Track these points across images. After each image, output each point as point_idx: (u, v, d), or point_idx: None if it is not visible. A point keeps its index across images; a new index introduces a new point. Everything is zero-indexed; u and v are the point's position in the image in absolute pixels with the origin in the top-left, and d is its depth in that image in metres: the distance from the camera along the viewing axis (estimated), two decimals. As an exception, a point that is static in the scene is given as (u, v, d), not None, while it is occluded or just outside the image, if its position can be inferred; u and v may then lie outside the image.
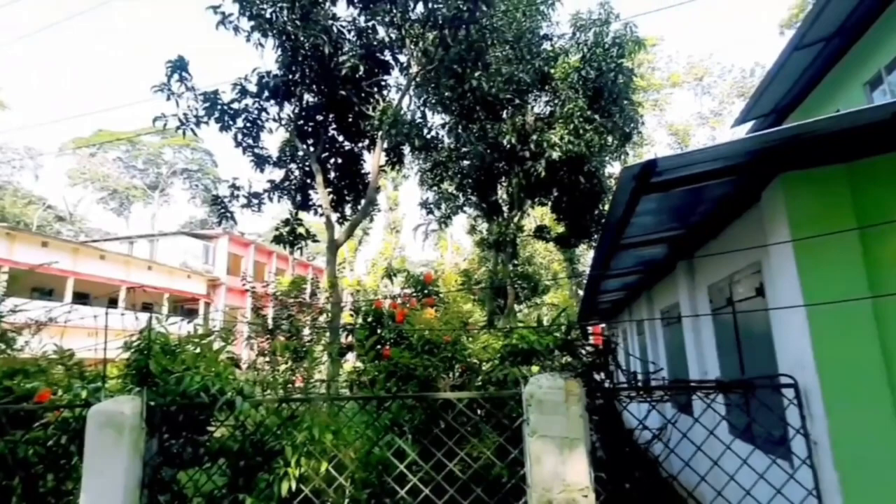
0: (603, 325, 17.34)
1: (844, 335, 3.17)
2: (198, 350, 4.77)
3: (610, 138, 12.92)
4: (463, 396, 4.06)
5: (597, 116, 12.04)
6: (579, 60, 12.48)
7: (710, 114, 34.64)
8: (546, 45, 13.14)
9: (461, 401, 4.07)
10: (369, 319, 8.04)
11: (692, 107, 45.79)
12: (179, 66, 10.09)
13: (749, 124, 13.84)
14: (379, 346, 7.42)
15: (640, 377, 7.90)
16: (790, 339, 3.51)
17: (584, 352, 7.54)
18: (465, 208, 17.73)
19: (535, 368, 5.80)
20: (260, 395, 4.67)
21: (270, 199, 11.67)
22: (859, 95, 10.95)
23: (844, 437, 3.04)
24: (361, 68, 9.76)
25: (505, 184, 15.30)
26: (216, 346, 4.93)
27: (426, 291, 9.87)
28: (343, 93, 10.34)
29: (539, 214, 21.22)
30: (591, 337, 13.42)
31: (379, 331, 7.65)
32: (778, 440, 3.84)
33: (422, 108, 12.79)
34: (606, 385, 5.59)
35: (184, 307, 30.51)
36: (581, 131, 11.63)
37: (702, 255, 5.87)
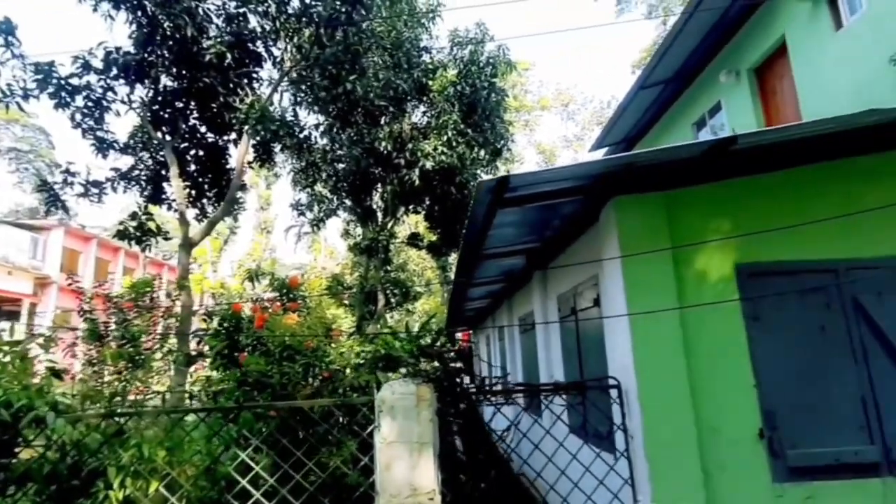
0: (471, 331, 18.02)
1: (657, 341, 3.62)
2: (6, 359, 4.10)
3: (482, 152, 13.54)
4: (315, 404, 3.95)
5: (469, 130, 12.57)
6: (456, 75, 12.95)
7: (574, 138, 37.84)
8: (425, 57, 13.46)
9: (314, 409, 3.96)
10: (225, 325, 7.52)
11: (559, 130, 49.77)
12: (5, 30, 8.67)
13: (604, 150, 15.36)
14: (236, 354, 6.96)
15: (493, 381, 8.29)
16: (617, 345, 3.93)
17: (448, 357, 7.71)
18: (340, 212, 17.43)
19: (395, 375, 5.83)
20: (82, 410, 4.13)
21: (114, 189, 10.42)
22: (688, 133, 12.69)
23: (654, 431, 3.47)
24: (229, 56, 9.16)
25: (380, 190, 15.31)
26: (32, 354, 4.27)
27: (291, 296, 9.48)
28: (207, 80, 9.62)
29: (413, 222, 21.55)
30: (458, 343, 13.85)
31: (236, 337, 7.19)
32: (605, 436, 4.26)
33: (294, 106, 12.35)
34: (469, 389, 5.82)
35: (1, 308, 26.07)
36: (454, 143, 12.05)
37: (553, 267, 6.35)
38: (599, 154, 15.46)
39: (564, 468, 3.65)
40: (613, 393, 3.77)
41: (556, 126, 48.28)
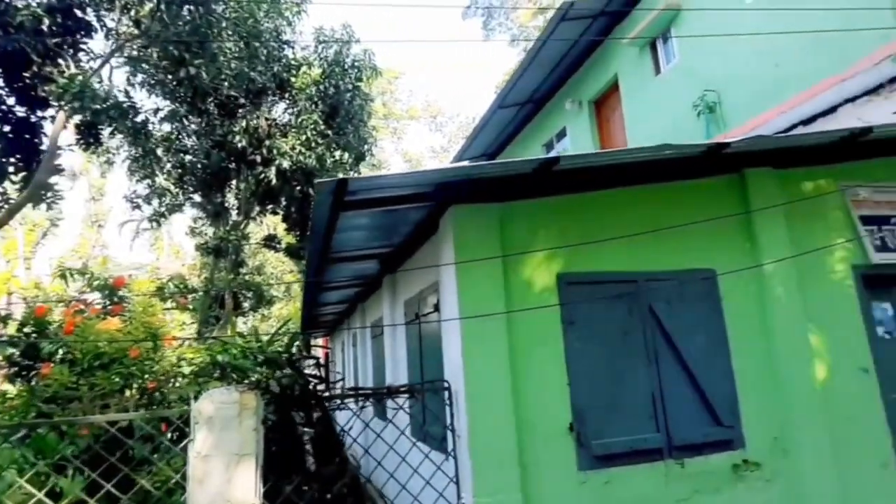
0: (328, 337, 17.57)
1: (485, 344, 3.83)
2: None
3: (346, 155, 13.32)
4: (117, 419, 3.54)
5: (330, 132, 12.29)
6: (320, 75, 12.62)
7: (441, 149, 38.99)
8: (288, 52, 12.91)
9: (115, 424, 3.54)
10: (25, 330, 6.52)
11: (427, 140, 51.02)
12: None
13: (465, 162, 16.03)
14: (38, 363, 6.07)
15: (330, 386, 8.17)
16: (452, 349, 4.08)
17: (300, 364, 7.42)
18: (187, 207, 15.96)
19: (231, 384, 5.47)
20: None
21: None
22: (539, 152, 13.76)
23: (478, 429, 3.65)
24: (47, 21, 7.91)
25: (234, 187, 14.32)
26: None
27: (116, 298, 8.52)
28: (18, 45, 8.20)
29: (272, 223, 20.53)
30: (311, 350, 13.38)
31: (39, 344, 6.26)
32: (440, 438, 4.39)
33: (130, 86, 10.98)
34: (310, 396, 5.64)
35: None
36: (313, 144, 11.69)
37: (402, 270, 6.44)
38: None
39: (393, 471, 3.68)
40: (445, 395, 3.90)
41: (425, 136, 49.53)
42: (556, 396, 3.92)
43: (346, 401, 4.04)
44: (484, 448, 3.62)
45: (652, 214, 4.44)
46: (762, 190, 4.69)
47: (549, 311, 4.06)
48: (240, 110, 12.50)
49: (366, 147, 14.01)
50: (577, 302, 4.11)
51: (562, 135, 12.93)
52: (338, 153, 12.84)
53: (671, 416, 4.12)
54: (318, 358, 11.87)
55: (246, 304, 18.50)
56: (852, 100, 6.14)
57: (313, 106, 12.26)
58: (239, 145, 12.12)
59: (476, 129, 14.57)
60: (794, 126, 6.66)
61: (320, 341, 19.55)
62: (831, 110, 6.34)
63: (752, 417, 4.25)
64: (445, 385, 3.91)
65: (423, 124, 37.52)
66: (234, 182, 14.18)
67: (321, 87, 12.35)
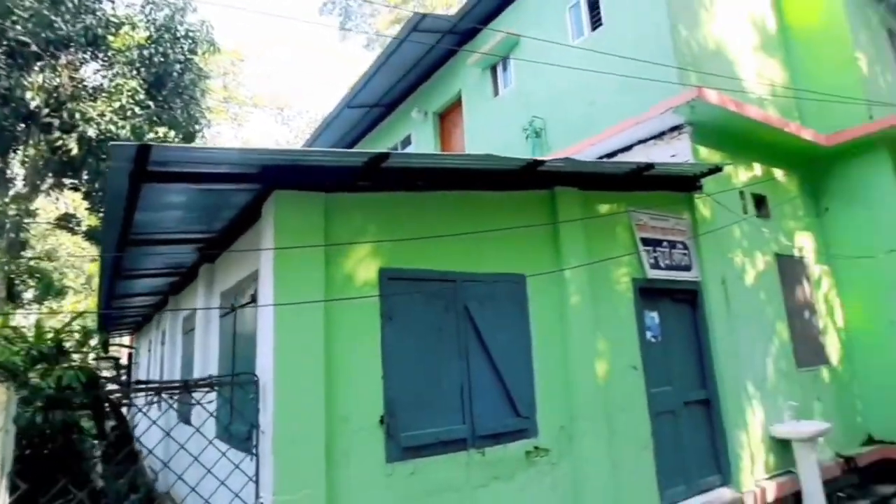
0: (135, 335, 15.64)
1: (300, 335, 3.68)
2: None
3: (172, 133, 11.97)
4: None
5: (152, 104, 10.95)
6: (145, 39, 11.20)
7: (286, 143, 37.22)
8: (106, 6, 11.23)
9: None
10: None
11: (272, 132, 48.41)
12: None
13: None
14: None
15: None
16: (264, 341, 3.85)
17: (90, 364, 6.51)
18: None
19: None
20: None
21: None
22: (385, 156, 13.87)
23: (284, 424, 3.48)
24: None
25: (21, 152, 11.97)
26: None
27: None
28: None
29: (72, 200, 17.59)
30: (114, 349, 11.76)
31: None
32: (246, 437, 4.11)
33: None
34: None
35: None
36: (129, 114, 10.29)
37: (219, 262, 5.96)
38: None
39: (183, 472, 3.34)
40: (252, 389, 3.66)
41: (270, 127, 46.95)
42: (370, 390, 3.92)
43: (133, 398, 3.56)
44: (289, 444, 3.46)
45: (474, 219, 4.72)
46: (568, 206, 5.28)
47: (367, 305, 4.06)
48: (36, 63, 10.51)
49: (197, 127, 12.76)
50: (396, 296, 4.18)
51: (407, 142, 13.21)
52: (162, 129, 11.49)
53: (477, 409, 4.38)
54: (117, 357, 10.44)
55: (28, 294, 15.58)
56: (644, 141, 7.25)
57: (133, 71, 10.81)
58: (31, 103, 10.15)
59: (322, 125, 14.20)
60: (602, 157, 7.65)
61: (126, 340, 17.33)
62: (628, 148, 7.41)
63: (546, 408, 4.72)
64: (254, 378, 3.68)
65: (269, 115, 35.61)
66: (21, 147, 11.85)
67: (145, 52, 10.95)
